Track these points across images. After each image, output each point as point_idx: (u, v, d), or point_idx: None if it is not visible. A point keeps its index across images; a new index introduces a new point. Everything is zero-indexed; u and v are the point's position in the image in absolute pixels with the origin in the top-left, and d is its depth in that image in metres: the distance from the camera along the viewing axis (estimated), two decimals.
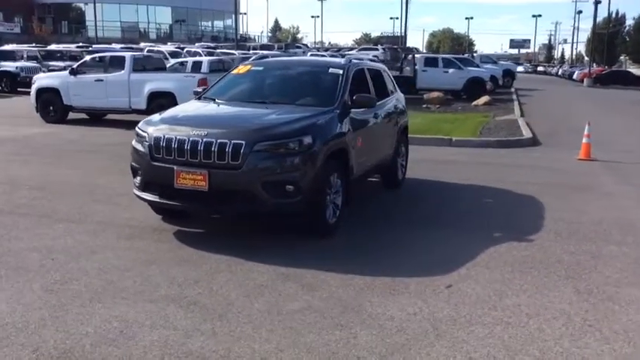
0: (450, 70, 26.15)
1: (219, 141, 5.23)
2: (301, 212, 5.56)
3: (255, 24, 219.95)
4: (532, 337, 3.86)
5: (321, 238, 5.73)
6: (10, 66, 24.44)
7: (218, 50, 35.64)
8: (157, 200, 5.56)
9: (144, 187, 5.63)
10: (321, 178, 5.54)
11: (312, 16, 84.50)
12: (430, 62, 26.98)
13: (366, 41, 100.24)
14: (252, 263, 5.05)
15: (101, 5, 55.96)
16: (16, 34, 52.17)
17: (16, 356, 3.45)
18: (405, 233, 6.13)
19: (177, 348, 3.58)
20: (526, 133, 14.12)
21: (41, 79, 16.01)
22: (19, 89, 23.26)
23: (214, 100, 6.59)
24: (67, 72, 15.60)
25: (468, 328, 3.97)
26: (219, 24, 73.37)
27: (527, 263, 5.26)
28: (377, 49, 44.33)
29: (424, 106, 20.88)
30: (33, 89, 15.70)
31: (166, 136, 5.42)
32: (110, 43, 40.90)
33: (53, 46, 33.17)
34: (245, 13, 77.95)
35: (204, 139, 5.27)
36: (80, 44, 35.41)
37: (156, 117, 5.92)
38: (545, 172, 9.73)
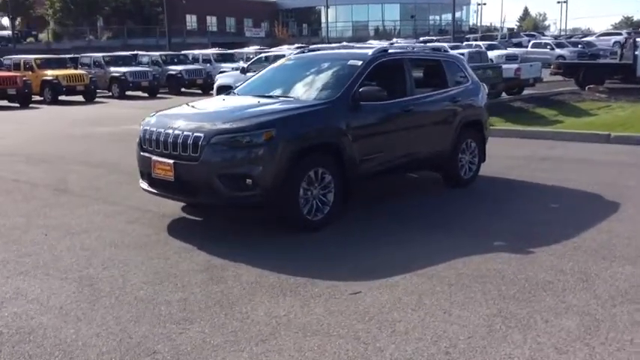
0: None
1: (184, 134, 5.48)
2: (263, 206, 5.55)
3: (509, 14, 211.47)
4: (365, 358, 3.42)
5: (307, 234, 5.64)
6: (119, 72, 25.78)
7: (429, 44, 35.32)
8: (146, 188, 5.99)
9: (141, 176, 6.11)
10: (289, 172, 5.44)
11: (558, 2, 78.33)
12: None
13: (627, 25, 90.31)
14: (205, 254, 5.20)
15: (335, 7, 59.19)
16: (261, 38, 57.83)
17: None
18: (396, 235, 5.69)
19: None
20: None
21: (221, 78, 17.92)
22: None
23: (236, 94, 6.83)
24: (239, 71, 17.14)
25: (306, 337, 3.66)
26: (448, 17, 72.49)
27: (487, 278, 4.56)
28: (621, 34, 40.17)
29: None
30: (215, 87, 17.63)
31: (149, 129, 5.83)
32: (341, 42, 43.12)
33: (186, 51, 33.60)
34: (484, 4, 75.22)
35: (174, 132, 5.55)
36: (217, 48, 36.43)
37: (154, 112, 6.35)
38: None
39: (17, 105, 22.12)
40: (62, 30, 55.36)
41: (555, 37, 52.14)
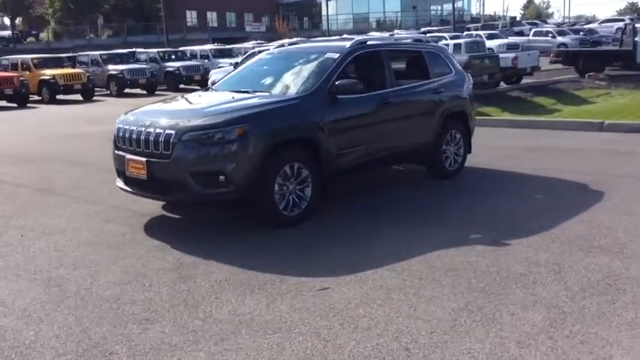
0: None
1: (155, 131, 5.43)
2: (237, 203, 5.50)
3: (513, 2, 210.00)
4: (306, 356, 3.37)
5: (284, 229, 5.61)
6: (116, 69, 25.67)
7: (428, 35, 35.13)
8: (122, 187, 5.95)
9: (117, 174, 6.06)
10: (263, 168, 5.38)
11: None
12: None
13: (632, 11, 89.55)
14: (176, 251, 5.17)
15: (335, 0, 58.95)
16: (261, 33, 57.68)
17: None
18: (373, 229, 5.62)
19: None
20: None
21: (215, 74, 17.88)
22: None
23: (214, 89, 6.78)
24: (232, 67, 17.09)
25: (267, 335, 3.61)
26: (450, 7, 72.00)
27: (459, 271, 4.49)
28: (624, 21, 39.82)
29: None
30: (209, 83, 17.51)
31: (123, 127, 5.79)
32: (342, 35, 42.93)
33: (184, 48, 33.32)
34: None
35: (146, 130, 5.50)
36: (216, 44, 36.00)
37: (129, 110, 6.30)
38: None
39: (15, 105, 22.12)
40: (62, 29, 55.40)
41: (558, 25, 51.81)
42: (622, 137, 10.18)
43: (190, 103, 6.39)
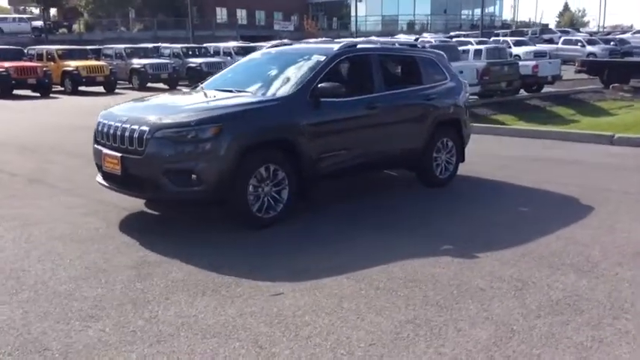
0: None
1: (131, 127, 5.43)
2: (210, 202, 5.49)
3: (549, 9, 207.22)
4: None
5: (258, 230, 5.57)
6: (139, 63, 26.13)
7: (454, 39, 34.80)
8: (100, 181, 5.97)
9: (97, 169, 6.09)
10: (237, 168, 5.35)
11: None
12: None
13: None
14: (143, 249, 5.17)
15: (365, 1, 58.80)
16: (289, 32, 57.79)
17: None
18: (345, 235, 5.55)
19: None
20: None
21: None
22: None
23: (202, 88, 6.78)
24: None
25: (204, 339, 3.57)
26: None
27: (419, 282, 4.40)
28: None
29: None
30: None
31: (102, 121, 5.81)
32: (370, 36, 42.81)
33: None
34: None
35: (122, 125, 5.51)
36: (239, 41, 35.86)
37: (113, 105, 6.32)
38: None
39: (37, 95, 22.50)
40: (94, 21, 56.21)
41: (590, 34, 50.86)
42: (633, 152, 9.94)
43: (171, 100, 6.39)
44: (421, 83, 7.18)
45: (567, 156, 9.58)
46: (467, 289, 4.27)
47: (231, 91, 6.26)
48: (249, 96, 6.01)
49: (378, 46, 7.34)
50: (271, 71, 6.51)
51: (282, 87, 6.07)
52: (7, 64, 22.01)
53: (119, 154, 5.47)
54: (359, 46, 6.86)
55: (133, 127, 5.41)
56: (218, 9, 60.23)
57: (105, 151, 5.67)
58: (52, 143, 10.83)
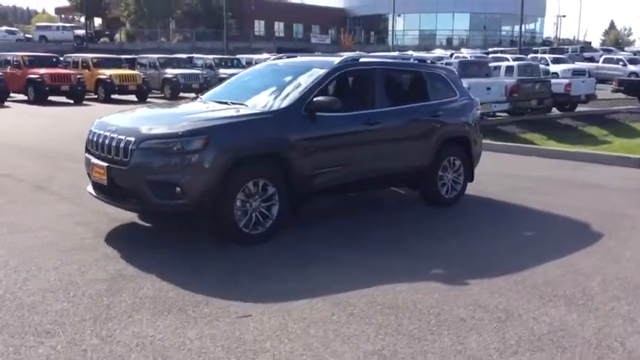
0: None
1: (117, 137, 5.35)
2: (194, 216, 5.36)
3: (595, 27, 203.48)
4: None
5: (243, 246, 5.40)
6: (171, 73, 26.18)
7: (491, 56, 34.31)
8: (89, 191, 5.90)
9: (88, 178, 6.02)
10: (224, 182, 5.21)
11: None
12: None
13: None
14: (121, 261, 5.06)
15: (403, 15, 58.61)
16: (326, 45, 57.96)
17: None
18: (333, 255, 5.34)
19: None
20: None
21: None
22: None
23: (201, 99, 6.69)
24: None
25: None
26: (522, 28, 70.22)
27: (396, 309, 4.17)
28: None
29: None
30: None
31: (93, 130, 5.75)
32: (407, 51, 42.61)
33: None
34: (564, 16, 72.58)
35: (110, 135, 5.44)
36: (273, 54, 35.74)
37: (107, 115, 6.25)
38: None
39: (71, 102, 22.93)
40: (135, 31, 57.37)
41: (635, 53, 49.55)
42: None
43: (164, 111, 6.31)
44: (427, 99, 6.95)
45: (589, 178, 9.18)
46: (446, 319, 4.02)
47: (226, 103, 6.14)
48: (242, 108, 5.87)
49: (382, 60, 7.13)
50: (270, 83, 6.37)
51: (277, 100, 5.92)
52: (42, 71, 22.52)
53: (105, 164, 5.39)
54: (361, 60, 6.68)
55: (120, 137, 5.33)
56: (256, 21, 60.84)
57: (93, 160, 5.60)
58: (72, 150, 10.85)
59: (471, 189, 7.69)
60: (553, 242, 5.83)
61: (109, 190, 5.47)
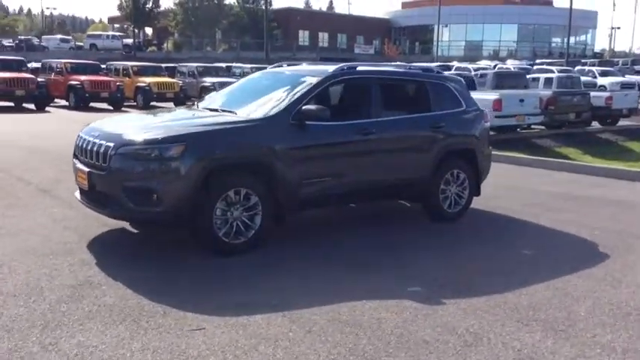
0: None
1: (99, 142, 5.32)
2: (172, 224, 5.27)
3: None
4: None
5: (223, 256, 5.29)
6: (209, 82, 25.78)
7: (536, 67, 33.54)
8: (77, 196, 5.87)
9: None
10: (203, 190, 5.11)
11: None
12: None
13: None
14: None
15: (449, 26, 57.99)
16: (370, 55, 57.80)
17: None
18: (312, 269, 5.16)
19: None
20: None
21: None
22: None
23: (196, 106, 6.63)
24: None
25: None
26: (572, 40, 68.55)
27: (359, 328, 3.96)
28: None
29: None
30: None
31: (80, 135, 5.75)
32: (451, 61, 42.13)
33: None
34: (618, 28, 70.55)
35: (93, 140, 5.41)
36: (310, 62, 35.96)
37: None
38: None
39: (110, 108, 23.41)
40: (183, 41, 58.48)
41: None
42: None
43: (149, 118, 6.26)
44: (428, 110, 6.70)
45: (611, 195, 8.73)
46: (407, 341, 3.79)
47: (217, 110, 6.05)
48: (230, 116, 5.76)
49: (381, 69, 6.93)
50: (263, 92, 6.24)
51: (265, 108, 5.79)
52: (82, 78, 23.07)
53: (87, 169, 5.36)
54: (358, 68, 6.48)
55: (101, 142, 5.29)
56: (301, 32, 61.20)
57: (77, 165, 5.59)
58: None
59: (482, 204, 7.40)
60: (550, 262, 5.50)
61: (91, 196, 5.44)
